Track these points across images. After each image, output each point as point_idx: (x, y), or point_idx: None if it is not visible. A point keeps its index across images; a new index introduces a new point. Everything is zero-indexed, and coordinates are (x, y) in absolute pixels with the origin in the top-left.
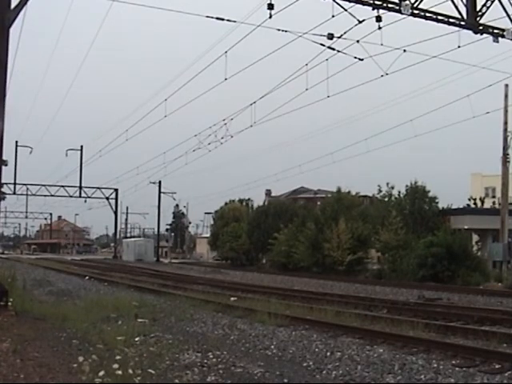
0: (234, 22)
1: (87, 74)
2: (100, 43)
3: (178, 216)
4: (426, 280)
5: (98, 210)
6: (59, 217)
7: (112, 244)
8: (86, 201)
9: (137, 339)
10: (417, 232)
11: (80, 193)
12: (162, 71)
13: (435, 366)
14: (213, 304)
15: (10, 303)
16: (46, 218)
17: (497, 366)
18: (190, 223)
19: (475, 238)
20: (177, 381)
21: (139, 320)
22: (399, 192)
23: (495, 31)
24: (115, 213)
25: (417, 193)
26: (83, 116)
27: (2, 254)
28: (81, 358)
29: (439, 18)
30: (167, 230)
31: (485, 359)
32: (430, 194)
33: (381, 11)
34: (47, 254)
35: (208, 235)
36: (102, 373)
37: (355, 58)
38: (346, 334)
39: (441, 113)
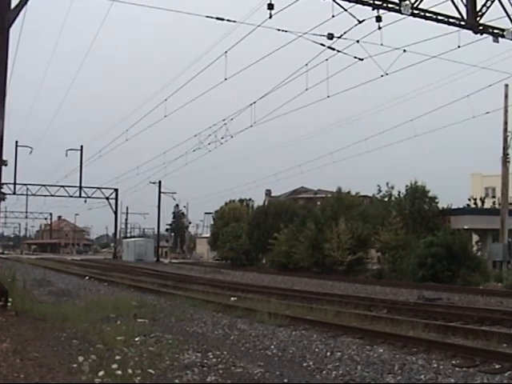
0: (234, 22)
1: (87, 74)
2: (100, 43)
3: (178, 216)
4: (426, 280)
5: (98, 209)
6: (59, 217)
7: (112, 244)
8: (85, 201)
9: (137, 339)
10: (417, 232)
11: (80, 193)
12: (161, 71)
13: (435, 366)
14: (213, 304)
15: (9, 303)
16: (46, 218)
17: (497, 366)
18: (190, 223)
19: (475, 238)
20: (177, 381)
21: (139, 320)
22: (399, 192)
23: (495, 31)
24: (115, 213)
25: (417, 193)
26: (83, 116)
27: (2, 254)
28: (81, 358)
29: (439, 18)
30: (167, 230)
31: (485, 359)
32: (430, 194)
33: (381, 11)
34: (47, 254)
35: (208, 235)
36: (101, 373)
37: (355, 57)
38: (346, 334)
39: (441, 113)
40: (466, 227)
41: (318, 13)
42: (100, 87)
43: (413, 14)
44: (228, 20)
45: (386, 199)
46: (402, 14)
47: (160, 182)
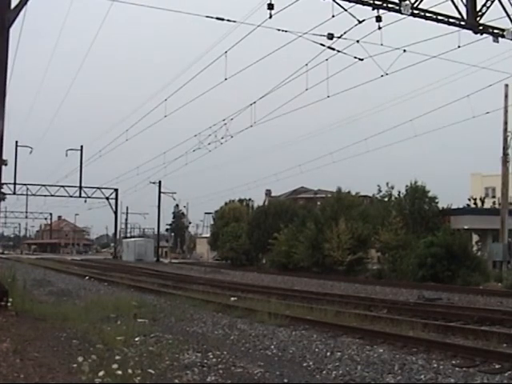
0: (234, 22)
1: (87, 74)
2: (100, 43)
3: (178, 216)
4: (426, 280)
5: (98, 209)
6: (59, 217)
7: (112, 244)
8: (86, 201)
9: (137, 339)
10: (417, 232)
11: (80, 193)
12: (161, 71)
13: (435, 365)
14: (213, 304)
15: (10, 303)
16: (46, 218)
17: (497, 366)
18: (190, 223)
19: (475, 237)
20: (177, 381)
21: (139, 320)
22: (399, 192)
23: (495, 31)
24: (115, 213)
25: (417, 193)
26: (83, 116)
27: (2, 253)
28: (81, 358)
29: (439, 18)
30: (167, 230)
31: (485, 359)
32: (430, 194)
33: (381, 11)
34: (47, 254)
35: (208, 235)
36: (101, 373)
37: (355, 58)
38: (346, 334)
39: (441, 113)
40: (465, 227)
41: (318, 13)
42: (100, 87)
43: (413, 14)
44: (228, 20)
45: (386, 199)
46: (402, 13)
47: (160, 182)
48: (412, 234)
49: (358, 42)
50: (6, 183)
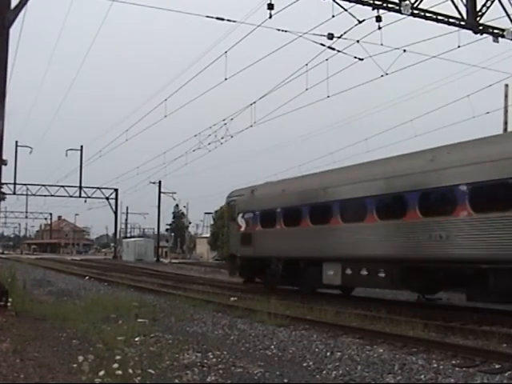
0: (234, 21)
1: (87, 74)
2: (100, 43)
3: (178, 216)
4: None
5: (98, 209)
6: (59, 217)
7: (112, 244)
8: (86, 201)
9: (137, 339)
10: None
11: (80, 193)
12: (161, 71)
13: (435, 366)
14: (213, 304)
15: (9, 303)
16: (46, 218)
17: (497, 366)
18: (189, 223)
19: None
20: (177, 381)
21: (139, 320)
22: None
23: (495, 31)
24: (115, 213)
25: None
26: (83, 116)
27: (2, 253)
28: (81, 358)
29: (439, 18)
30: (167, 230)
31: (485, 359)
32: None
33: (381, 11)
34: (47, 254)
35: (208, 235)
36: (102, 373)
37: (355, 57)
38: (346, 334)
39: (441, 113)
40: None
41: (318, 13)
42: (100, 87)
43: (413, 14)
44: (228, 20)
45: None
46: (402, 13)
47: (160, 182)
48: None
49: (358, 41)
50: (6, 183)
